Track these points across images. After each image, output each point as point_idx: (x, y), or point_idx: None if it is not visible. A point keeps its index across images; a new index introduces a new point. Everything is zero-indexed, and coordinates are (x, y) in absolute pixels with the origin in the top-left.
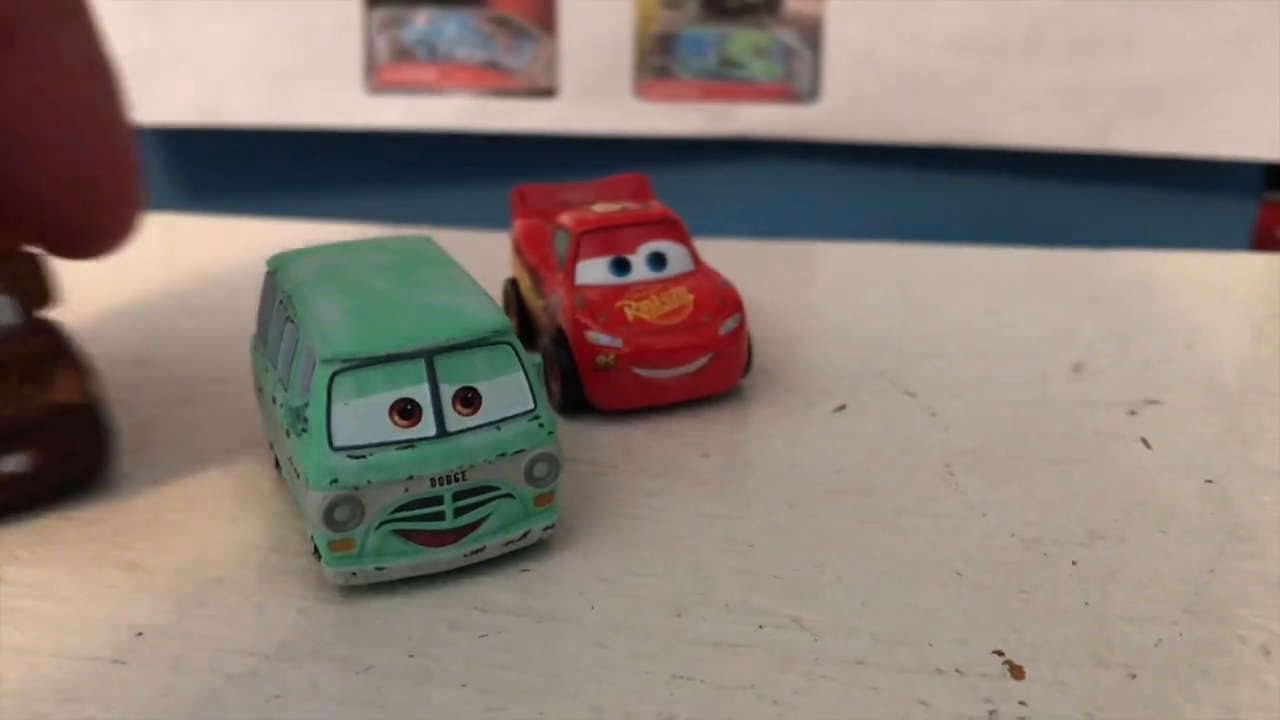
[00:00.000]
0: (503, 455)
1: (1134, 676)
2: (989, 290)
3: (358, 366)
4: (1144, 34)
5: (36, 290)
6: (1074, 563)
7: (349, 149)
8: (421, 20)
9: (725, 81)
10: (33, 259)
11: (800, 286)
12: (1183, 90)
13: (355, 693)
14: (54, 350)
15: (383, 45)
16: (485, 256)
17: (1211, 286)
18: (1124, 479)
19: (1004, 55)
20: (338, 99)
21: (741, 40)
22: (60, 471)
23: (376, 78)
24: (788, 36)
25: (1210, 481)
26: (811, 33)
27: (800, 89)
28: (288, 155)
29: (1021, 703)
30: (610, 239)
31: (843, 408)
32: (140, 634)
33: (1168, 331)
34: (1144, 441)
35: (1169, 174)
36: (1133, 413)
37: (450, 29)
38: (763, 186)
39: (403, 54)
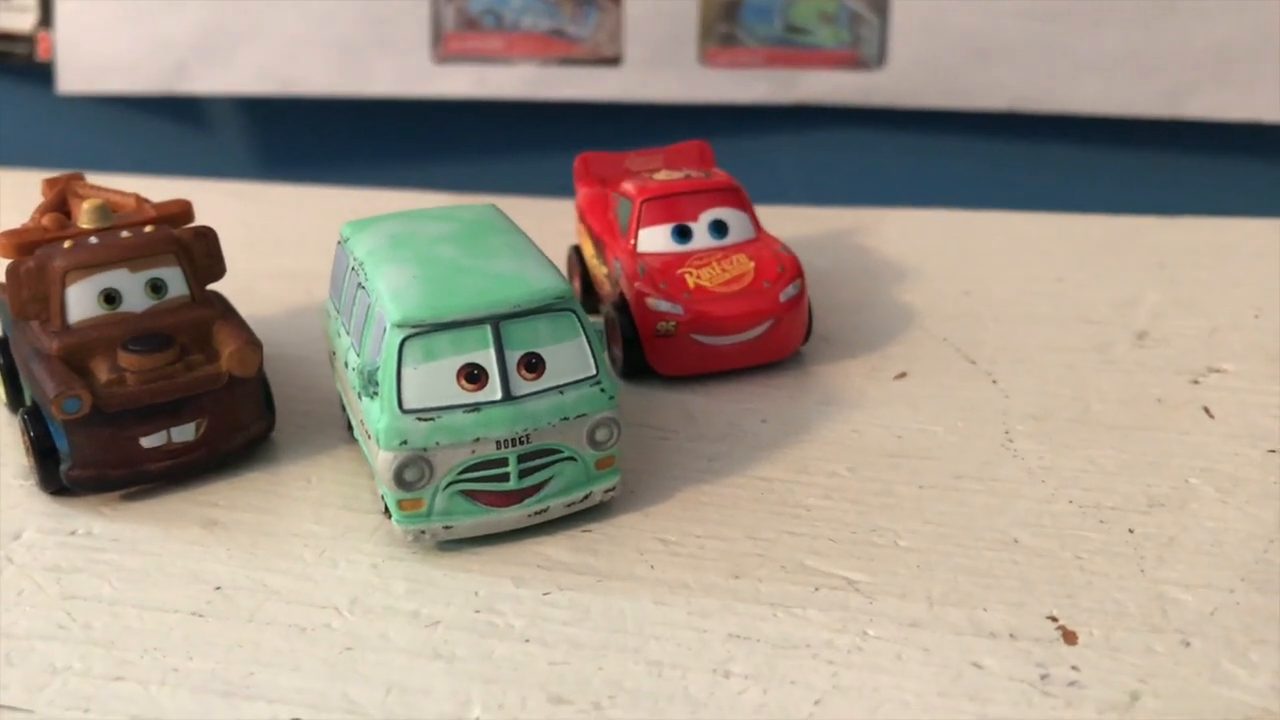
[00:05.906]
0: (565, 419)
1: (1188, 644)
2: (1054, 257)
3: (427, 332)
4: None
5: (208, 264)
6: (1131, 530)
7: (417, 118)
8: None
9: (791, 48)
10: (208, 233)
11: (863, 253)
12: (1260, 55)
13: (424, 646)
14: (220, 322)
15: (449, 15)
16: (550, 223)
17: None
18: (1185, 447)
19: (1074, 20)
20: (406, 69)
21: (807, 6)
22: (226, 441)
23: (444, 47)
24: (854, 2)
25: (1273, 451)
26: None
27: (867, 55)
28: (358, 124)
29: (1074, 667)
30: (672, 206)
31: (903, 375)
32: (219, 588)
33: (1235, 300)
34: (1206, 410)
35: (1240, 140)
36: (1196, 381)
37: None
38: (828, 154)
39: (469, 23)
